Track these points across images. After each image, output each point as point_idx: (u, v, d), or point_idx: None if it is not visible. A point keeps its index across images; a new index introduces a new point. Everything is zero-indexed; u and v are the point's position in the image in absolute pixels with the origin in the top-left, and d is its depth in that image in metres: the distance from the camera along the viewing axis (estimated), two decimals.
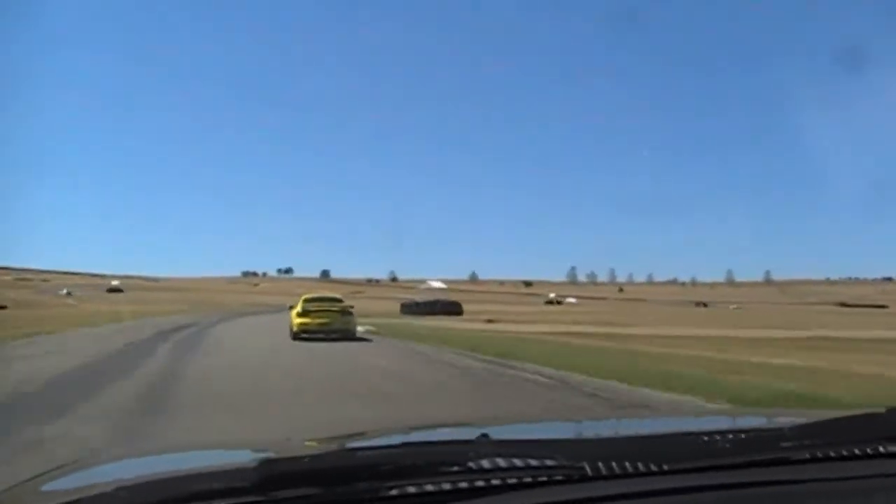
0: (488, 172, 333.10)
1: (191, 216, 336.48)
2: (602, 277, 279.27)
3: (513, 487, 1.08)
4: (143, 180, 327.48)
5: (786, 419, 1.62)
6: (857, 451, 1.23)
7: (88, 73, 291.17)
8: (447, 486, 1.07)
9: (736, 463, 1.18)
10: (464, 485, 1.08)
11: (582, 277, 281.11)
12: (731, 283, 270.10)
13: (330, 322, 20.70)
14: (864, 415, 1.37)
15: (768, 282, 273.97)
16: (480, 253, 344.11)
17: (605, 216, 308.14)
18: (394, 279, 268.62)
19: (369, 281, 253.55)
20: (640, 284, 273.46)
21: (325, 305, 21.44)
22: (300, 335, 20.10)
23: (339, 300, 22.46)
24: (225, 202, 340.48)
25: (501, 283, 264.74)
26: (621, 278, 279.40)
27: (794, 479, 1.17)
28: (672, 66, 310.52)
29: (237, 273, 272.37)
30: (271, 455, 1.27)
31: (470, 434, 1.36)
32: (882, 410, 1.33)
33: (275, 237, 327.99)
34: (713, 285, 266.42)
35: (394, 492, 1.05)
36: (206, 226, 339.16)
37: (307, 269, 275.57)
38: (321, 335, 19.89)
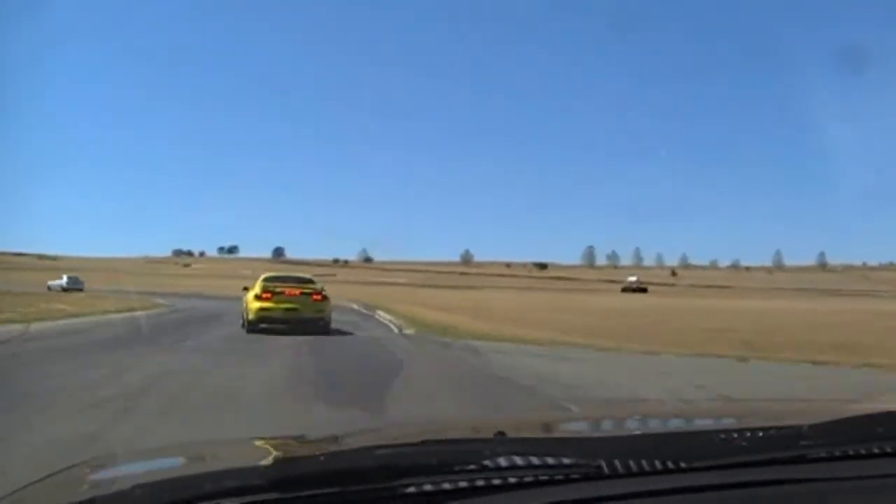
0: (479, 148, 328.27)
1: (110, 185, 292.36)
2: (626, 260, 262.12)
3: (529, 485, 1.17)
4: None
5: (803, 417, 1.72)
6: (876, 450, 1.32)
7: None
8: (464, 484, 1.14)
9: (754, 461, 1.27)
10: (480, 482, 1.15)
11: (601, 260, 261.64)
12: (779, 266, 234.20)
13: (299, 309, 17.61)
14: (885, 413, 1.46)
15: (822, 266, 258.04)
16: (476, 232, 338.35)
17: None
18: (367, 259, 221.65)
19: (336, 262, 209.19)
20: (696, 268, 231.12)
21: (294, 287, 18.31)
22: (258, 325, 17.29)
23: (311, 281, 19.52)
24: (154, 173, 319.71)
25: (508, 264, 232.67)
26: (670, 261, 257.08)
27: (813, 477, 1.26)
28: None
29: (167, 252, 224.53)
30: (286, 453, 1.37)
31: (486, 432, 1.45)
32: None
33: (216, 212, 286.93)
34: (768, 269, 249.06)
35: (410, 489, 1.12)
36: (131, 197, 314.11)
37: (256, 247, 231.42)
38: (285, 326, 17.13)
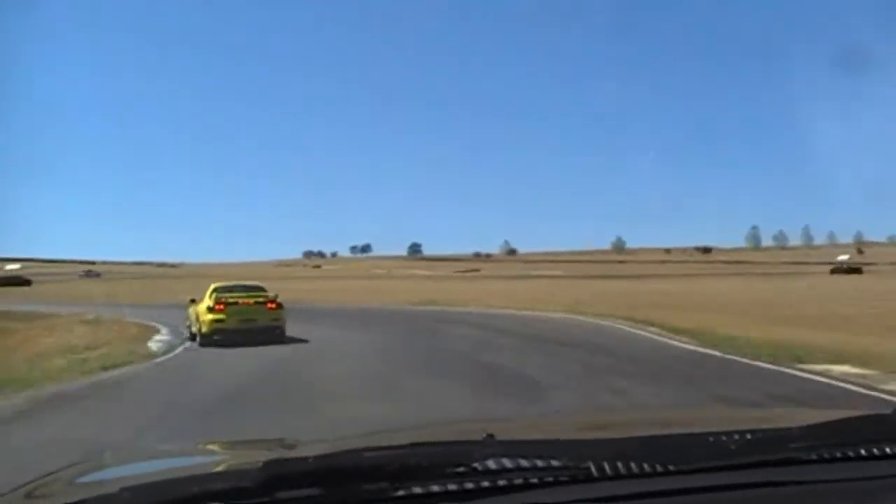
0: (625, 136, 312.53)
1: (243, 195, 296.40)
2: (794, 239, 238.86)
3: (518, 488, 1.20)
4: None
5: (794, 419, 1.75)
6: (865, 452, 1.35)
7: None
8: (453, 487, 1.17)
9: (743, 463, 1.31)
10: (470, 485, 1.18)
11: (767, 241, 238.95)
12: None
13: (255, 318, 17.70)
14: (874, 415, 1.49)
15: None
16: (627, 220, 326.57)
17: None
18: (511, 251, 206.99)
19: (477, 255, 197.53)
20: (877, 245, 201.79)
21: (247, 296, 18.45)
22: (212, 338, 17.17)
23: (263, 289, 19.45)
24: (283, 177, 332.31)
25: (667, 250, 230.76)
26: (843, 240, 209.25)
27: (803, 479, 1.30)
28: None
29: (298, 255, 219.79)
30: (277, 455, 1.41)
31: (476, 434, 1.46)
32: (890, 412, 1.46)
33: (348, 212, 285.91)
34: None
35: (400, 492, 1.15)
36: (260, 202, 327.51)
37: (390, 245, 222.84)
38: (241, 337, 16.91)
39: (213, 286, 18.78)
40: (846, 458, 1.33)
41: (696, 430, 1.75)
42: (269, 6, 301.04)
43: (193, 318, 18.66)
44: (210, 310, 17.26)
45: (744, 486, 1.25)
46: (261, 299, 18.21)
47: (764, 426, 1.66)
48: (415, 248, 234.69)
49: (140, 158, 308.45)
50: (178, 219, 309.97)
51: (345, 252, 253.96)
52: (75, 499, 1.17)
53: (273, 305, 18.07)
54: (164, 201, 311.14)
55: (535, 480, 1.20)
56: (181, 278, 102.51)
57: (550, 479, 1.21)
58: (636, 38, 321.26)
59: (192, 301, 19.25)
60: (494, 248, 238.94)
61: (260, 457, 1.30)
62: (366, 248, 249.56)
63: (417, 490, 1.15)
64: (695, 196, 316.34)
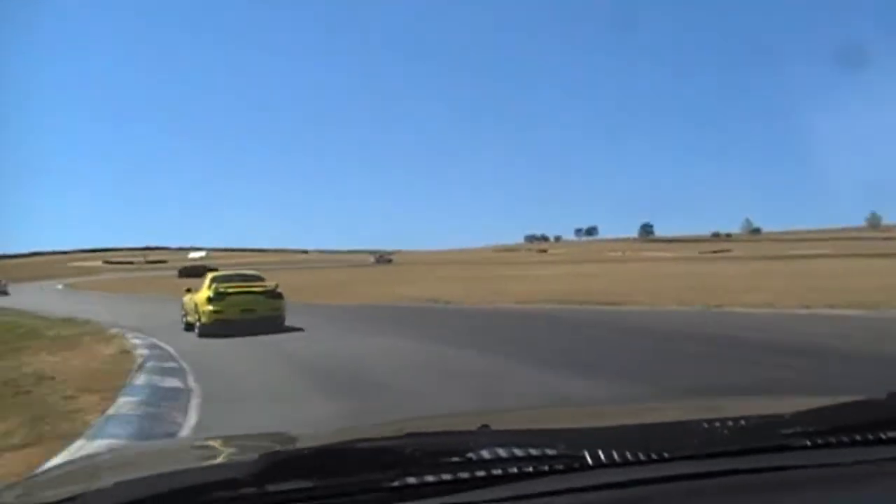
0: None
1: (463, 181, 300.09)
2: None
3: (514, 477, 1.21)
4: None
5: (786, 406, 1.68)
6: (857, 438, 1.35)
7: None
8: (448, 477, 1.18)
9: (736, 450, 1.32)
10: (464, 475, 1.19)
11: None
12: None
13: (255, 308, 17.54)
14: (865, 401, 1.48)
15: None
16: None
17: None
18: (755, 231, 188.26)
19: (717, 236, 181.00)
20: None
21: (247, 285, 18.44)
22: (211, 328, 17.05)
23: (261, 278, 19.46)
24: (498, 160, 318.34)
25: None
26: None
27: (795, 465, 1.31)
28: None
29: (519, 240, 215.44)
30: (271, 447, 1.40)
31: (470, 424, 1.47)
32: (882, 397, 1.44)
33: (571, 193, 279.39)
34: None
35: (395, 483, 1.16)
36: (480, 189, 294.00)
37: (617, 227, 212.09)
38: (241, 328, 16.65)
39: (210, 275, 18.94)
40: (839, 444, 1.34)
41: (690, 417, 1.73)
42: None
43: (191, 308, 18.59)
44: (210, 300, 17.30)
45: (737, 472, 1.26)
46: (261, 289, 18.31)
47: (757, 413, 1.64)
48: (647, 229, 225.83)
49: (356, 153, 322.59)
50: (393, 207, 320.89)
51: (569, 235, 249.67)
52: (71, 494, 1.18)
53: (273, 295, 18.07)
54: (380, 189, 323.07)
55: (529, 469, 1.22)
56: (398, 266, 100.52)
57: (545, 467, 1.23)
58: None
59: (188, 291, 19.38)
60: (734, 228, 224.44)
61: (255, 450, 1.32)
62: (591, 231, 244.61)
63: (412, 480, 1.17)
64: None
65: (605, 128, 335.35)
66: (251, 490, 1.09)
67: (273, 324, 17.25)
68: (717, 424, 1.38)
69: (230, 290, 17.61)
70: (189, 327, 18.68)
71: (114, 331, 18.09)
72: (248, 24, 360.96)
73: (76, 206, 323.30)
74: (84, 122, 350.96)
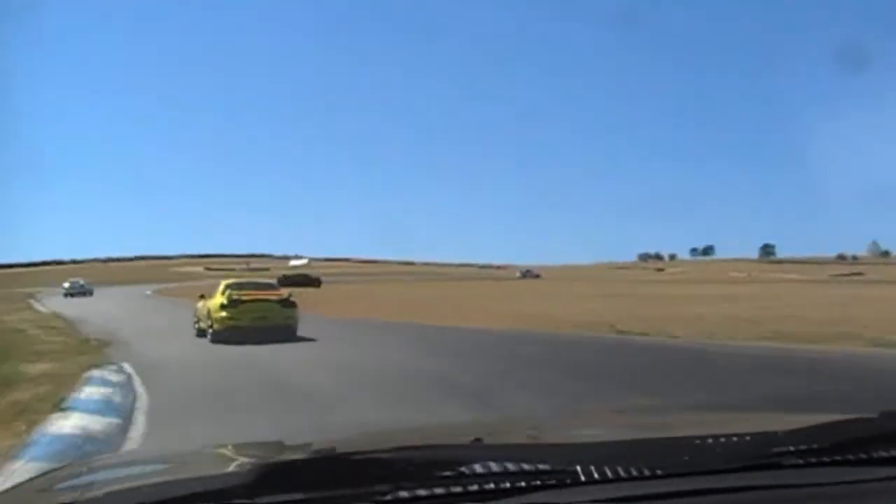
0: None
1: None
2: None
3: (506, 492, 1.21)
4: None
5: (780, 423, 1.67)
6: (849, 456, 1.32)
7: None
8: (440, 491, 1.18)
9: (728, 467, 1.30)
10: (457, 489, 1.19)
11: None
12: None
13: (268, 316, 17.57)
14: (857, 419, 1.45)
15: None
16: None
17: None
18: (884, 253, 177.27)
19: (842, 258, 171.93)
20: None
21: (260, 293, 18.48)
22: (223, 335, 17.08)
23: (275, 286, 20.26)
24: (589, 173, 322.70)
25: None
26: None
27: (787, 483, 1.28)
28: None
29: (632, 257, 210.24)
30: (264, 459, 1.41)
31: (463, 437, 1.51)
32: (875, 415, 1.41)
33: (685, 210, 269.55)
34: None
35: (387, 496, 1.16)
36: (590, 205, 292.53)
37: (735, 247, 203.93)
38: (253, 336, 16.49)
39: (223, 283, 18.86)
40: (830, 463, 1.31)
41: (682, 433, 1.72)
42: None
43: (204, 314, 18.57)
44: (223, 307, 17.30)
45: (729, 490, 1.24)
46: (275, 297, 18.34)
47: (750, 430, 1.61)
48: (768, 250, 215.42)
49: (467, 168, 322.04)
50: (502, 221, 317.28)
51: (684, 254, 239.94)
52: (67, 500, 1.18)
53: (287, 303, 18.07)
54: (490, 204, 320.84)
55: (522, 484, 1.21)
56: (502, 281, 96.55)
57: (538, 482, 1.22)
58: None
59: (202, 297, 19.42)
60: (859, 250, 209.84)
61: (248, 459, 1.32)
62: (708, 251, 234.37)
63: (404, 494, 1.16)
64: None
65: (717, 149, 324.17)
66: (242, 501, 1.09)
67: (286, 332, 17.35)
68: (710, 441, 1.37)
69: (244, 298, 17.68)
70: (201, 333, 18.71)
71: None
72: (392, 37, 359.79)
73: (182, 210, 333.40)
74: (196, 127, 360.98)
